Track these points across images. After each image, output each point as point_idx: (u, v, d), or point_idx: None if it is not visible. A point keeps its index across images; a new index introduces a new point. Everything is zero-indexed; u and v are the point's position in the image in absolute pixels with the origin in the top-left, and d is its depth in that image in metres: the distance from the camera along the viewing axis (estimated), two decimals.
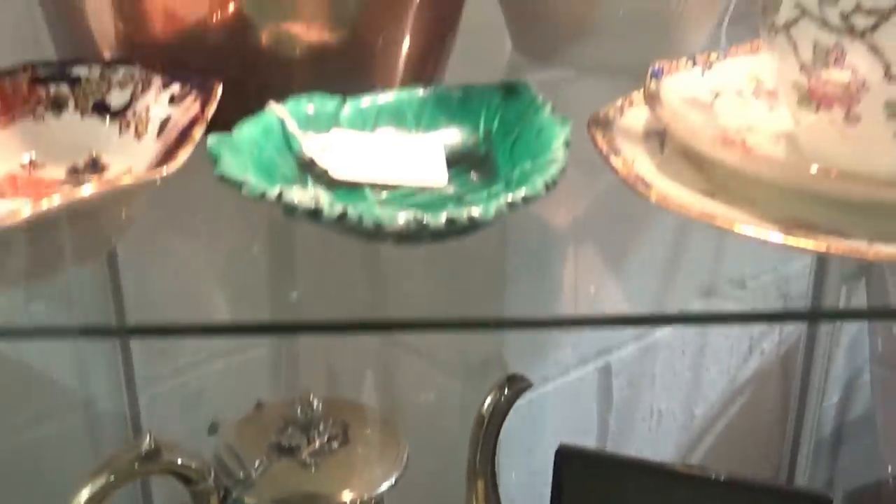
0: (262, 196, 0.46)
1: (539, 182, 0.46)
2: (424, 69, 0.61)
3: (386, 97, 0.56)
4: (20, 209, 0.41)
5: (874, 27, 0.47)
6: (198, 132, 0.47)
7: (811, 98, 0.50)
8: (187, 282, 0.55)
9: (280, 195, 0.45)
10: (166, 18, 0.55)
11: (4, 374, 0.64)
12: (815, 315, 0.92)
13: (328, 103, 0.55)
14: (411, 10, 0.58)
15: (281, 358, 0.82)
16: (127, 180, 0.43)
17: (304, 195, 0.45)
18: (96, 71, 0.55)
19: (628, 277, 0.57)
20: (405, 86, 0.60)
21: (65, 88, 0.55)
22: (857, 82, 0.48)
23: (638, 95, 0.57)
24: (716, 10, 0.67)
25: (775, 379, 1.15)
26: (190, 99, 0.51)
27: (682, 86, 0.56)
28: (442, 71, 0.63)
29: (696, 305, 0.62)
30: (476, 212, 0.44)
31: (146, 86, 0.53)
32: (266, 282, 0.54)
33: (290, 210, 0.45)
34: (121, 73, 0.54)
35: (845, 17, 0.47)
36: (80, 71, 0.55)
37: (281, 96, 0.56)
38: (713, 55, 0.58)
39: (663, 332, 1.07)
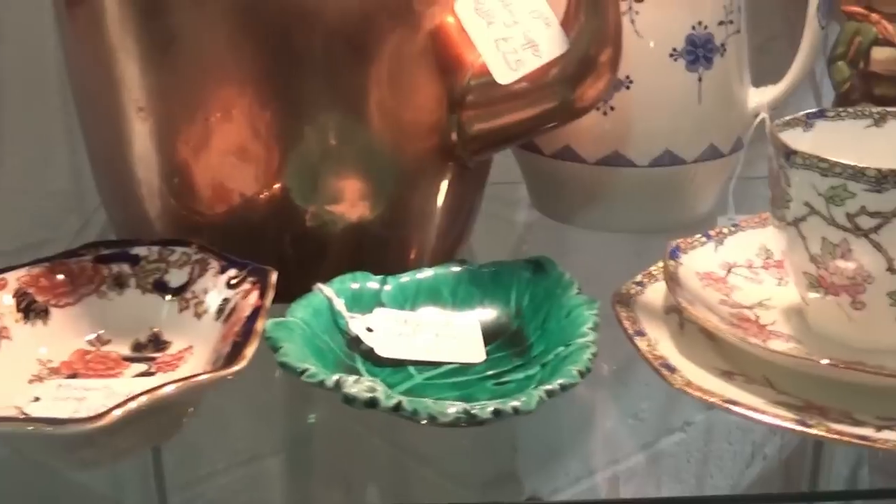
0: (321, 384, 0.51)
1: (574, 371, 0.51)
2: (455, 232, 0.67)
3: (424, 274, 0.61)
4: (111, 412, 0.45)
5: (877, 227, 0.53)
6: (261, 325, 0.52)
7: (820, 285, 0.56)
8: None
9: (337, 383, 0.50)
10: (217, 200, 0.61)
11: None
12: None
13: (371, 282, 0.60)
14: (443, 185, 0.64)
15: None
16: (203, 379, 0.48)
17: (360, 386, 0.50)
18: (154, 251, 0.60)
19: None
20: (437, 249, 0.65)
21: (126, 267, 0.60)
22: (863, 274, 0.54)
23: (656, 268, 0.62)
24: (723, 175, 0.73)
25: (779, 484, 1.20)
26: (247, 284, 0.56)
27: (697, 262, 0.61)
28: (470, 231, 0.69)
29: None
30: (520, 404, 0.49)
31: (203, 268, 0.58)
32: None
33: (349, 400, 0.50)
34: (177, 253, 0.60)
35: (851, 217, 0.53)
36: (140, 250, 0.60)
37: (322, 269, 0.61)
38: (725, 229, 0.64)
39: (668, 441, 1.11)
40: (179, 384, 0.48)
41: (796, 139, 0.58)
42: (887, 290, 0.54)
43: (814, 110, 0.60)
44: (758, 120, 0.72)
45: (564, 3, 0.61)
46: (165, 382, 0.48)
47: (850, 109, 0.60)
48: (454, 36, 0.60)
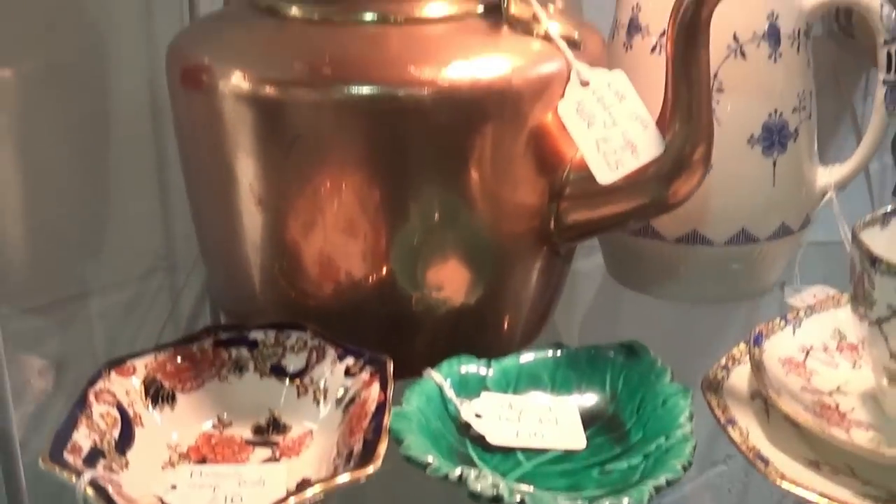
0: (445, 478, 0.56)
1: (679, 466, 0.57)
2: (543, 309, 0.72)
3: (525, 358, 0.66)
4: None
5: None
6: (387, 420, 0.57)
7: None
8: None
9: (460, 478, 0.55)
10: (329, 285, 0.65)
11: None
12: None
13: (476, 365, 0.65)
14: (537, 268, 0.69)
15: None
16: (346, 480, 0.53)
17: (485, 483, 0.55)
18: (271, 335, 0.65)
19: None
20: (528, 326, 0.70)
21: (245, 351, 0.65)
22: None
23: (737, 351, 0.67)
24: (792, 249, 0.78)
25: None
26: (365, 374, 0.61)
27: (778, 348, 0.66)
28: (556, 307, 0.74)
29: None
30: (633, 500, 0.54)
31: (321, 355, 0.63)
32: None
33: (474, 496, 0.55)
34: (293, 337, 0.64)
35: None
36: (257, 335, 0.65)
37: (421, 348, 0.66)
38: (801, 313, 0.69)
39: (711, 473, 1.17)
40: (324, 485, 0.53)
41: (874, 237, 0.63)
42: None
43: (890, 208, 0.65)
44: (826, 199, 0.77)
45: (659, 102, 0.65)
46: (309, 481, 0.53)
47: None
48: (556, 132, 0.65)
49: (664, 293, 0.78)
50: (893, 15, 0.74)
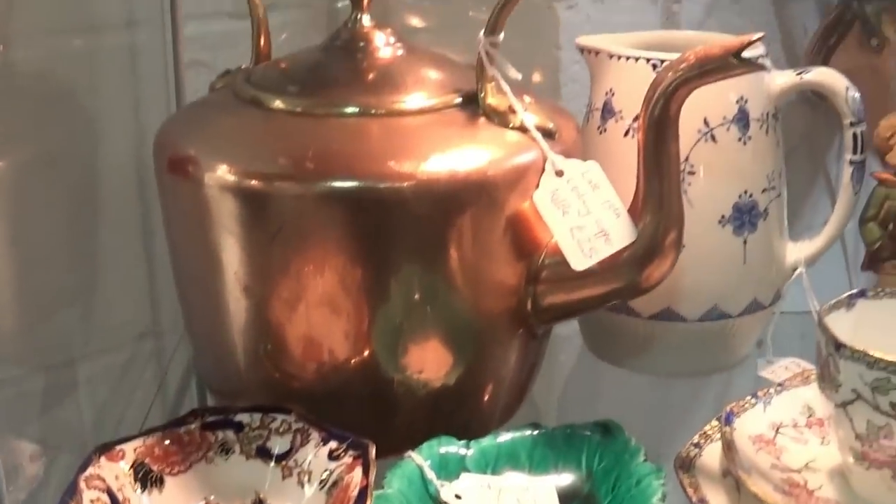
0: None
1: None
2: (521, 388, 0.74)
3: (503, 438, 0.68)
4: None
5: None
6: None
7: (864, 458, 0.64)
8: None
9: None
10: (313, 370, 0.68)
11: None
12: None
13: (455, 447, 0.67)
14: (515, 349, 0.72)
15: None
16: None
17: None
18: (256, 418, 0.67)
19: None
20: (506, 404, 0.73)
21: (231, 434, 0.67)
22: None
23: (710, 428, 0.70)
24: (764, 323, 0.81)
25: None
26: (348, 458, 0.64)
27: (748, 425, 0.69)
28: (533, 385, 0.77)
29: None
30: None
31: (305, 438, 0.66)
32: None
33: None
34: (278, 420, 0.67)
35: (894, 405, 0.61)
36: (243, 417, 0.67)
37: (400, 428, 0.69)
38: (772, 389, 0.72)
39: None
40: None
41: (840, 320, 0.66)
42: None
43: (855, 291, 0.68)
44: (796, 274, 0.80)
45: (632, 183, 0.68)
46: None
47: (889, 290, 0.69)
48: (532, 219, 0.67)
49: (640, 367, 0.81)
50: (858, 97, 0.77)
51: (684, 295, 0.77)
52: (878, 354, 0.61)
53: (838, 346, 0.62)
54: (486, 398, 0.72)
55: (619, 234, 0.67)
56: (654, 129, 0.65)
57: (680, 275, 0.76)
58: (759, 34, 0.64)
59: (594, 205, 0.67)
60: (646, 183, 0.66)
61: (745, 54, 0.66)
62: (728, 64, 0.64)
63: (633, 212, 0.67)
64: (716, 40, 0.67)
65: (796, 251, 0.81)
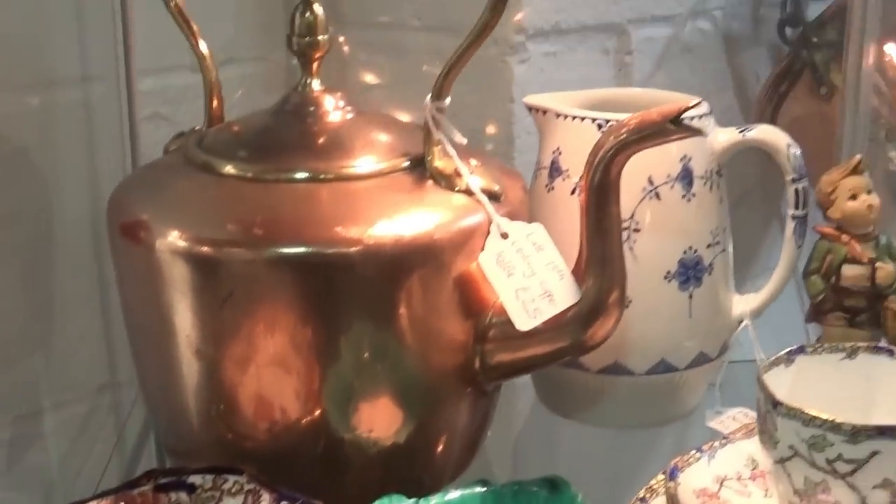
0: None
1: None
2: (473, 443, 0.76)
3: (451, 496, 0.70)
4: None
5: (853, 472, 0.63)
6: None
7: None
8: None
9: None
10: (263, 429, 0.70)
11: None
12: None
13: None
14: (465, 406, 0.74)
15: None
16: None
17: None
18: (209, 480, 0.69)
19: None
20: (458, 459, 0.75)
21: (184, 496, 0.68)
22: None
23: (656, 482, 0.72)
24: (711, 374, 0.83)
25: None
26: None
27: (693, 479, 0.71)
28: (485, 439, 0.79)
29: None
30: None
31: (256, 499, 0.67)
32: None
33: None
34: (230, 481, 0.68)
35: (830, 462, 0.63)
36: (195, 479, 0.69)
37: (351, 486, 0.71)
38: (717, 443, 0.74)
39: None
40: None
41: (780, 376, 0.68)
42: None
43: (794, 347, 0.70)
44: (741, 327, 0.82)
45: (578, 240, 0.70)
46: None
47: (827, 345, 0.71)
48: (478, 280, 0.70)
49: (591, 420, 0.83)
50: (799, 154, 0.79)
51: (631, 349, 0.79)
52: (813, 412, 0.63)
53: (775, 403, 0.65)
54: (437, 454, 0.73)
55: (562, 294, 0.69)
56: (596, 192, 0.68)
57: (627, 329, 0.78)
58: (696, 100, 0.67)
59: (538, 266, 0.69)
60: (588, 244, 0.69)
61: (689, 114, 0.69)
62: (665, 129, 0.66)
63: (577, 272, 0.69)
64: (663, 99, 0.70)
65: (742, 304, 0.83)
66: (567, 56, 1.00)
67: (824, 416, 0.63)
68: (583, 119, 0.78)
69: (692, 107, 0.66)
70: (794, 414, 0.64)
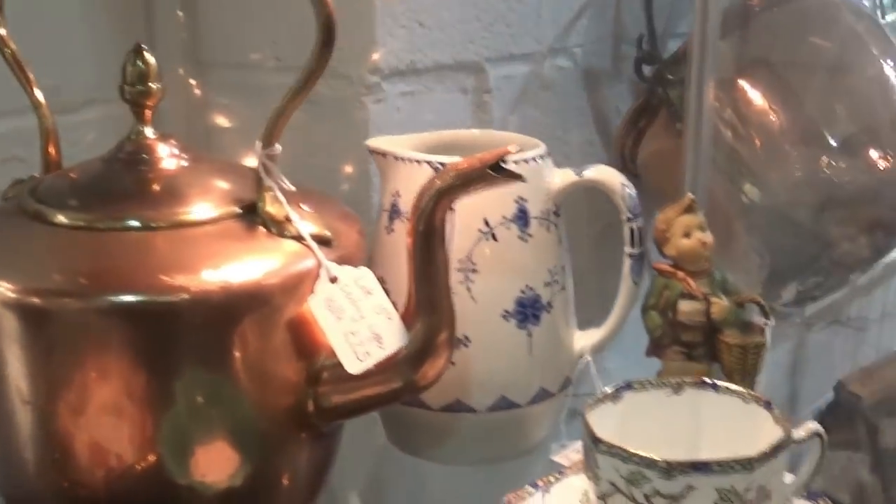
0: None
1: None
2: (316, 482, 0.78)
3: None
4: None
5: None
6: None
7: None
8: None
9: None
10: (98, 477, 0.71)
11: None
12: None
13: None
14: (304, 448, 0.75)
15: None
16: None
17: None
18: None
19: None
20: (303, 498, 0.77)
21: None
22: None
23: None
24: (554, 409, 0.86)
25: None
26: None
27: None
28: (329, 477, 0.80)
29: None
30: None
31: None
32: None
33: None
34: None
35: (648, 497, 0.66)
36: None
37: None
38: (552, 477, 0.77)
39: None
40: None
41: (606, 413, 0.71)
42: None
43: (621, 384, 0.73)
44: (582, 363, 0.85)
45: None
46: None
47: (653, 381, 0.74)
48: (310, 323, 0.72)
49: (437, 458, 0.85)
50: (634, 194, 0.83)
51: (473, 387, 0.82)
52: (631, 449, 0.66)
53: (595, 440, 0.68)
54: (276, 497, 0.75)
55: (391, 337, 0.71)
56: (422, 236, 0.70)
57: (467, 368, 0.81)
58: (513, 147, 0.69)
59: (367, 310, 0.72)
60: (416, 287, 0.71)
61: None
62: (486, 175, 0.69)
63: (407, 315, 0.72)
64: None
65: (583, 339, 0.86)
66: (425, 96, 1.03)
67: (641, 454, 0.66)
68: (419, 162, 0.81)
69: (508, 153, 0.69)
70: (614, 451, 0.67)
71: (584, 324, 0.88)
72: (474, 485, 0.85)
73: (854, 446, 2.06)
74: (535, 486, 0.76)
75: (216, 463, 0.72)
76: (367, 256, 0.79)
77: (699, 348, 0.84)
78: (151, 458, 0.70)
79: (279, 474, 0.75)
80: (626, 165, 1.17)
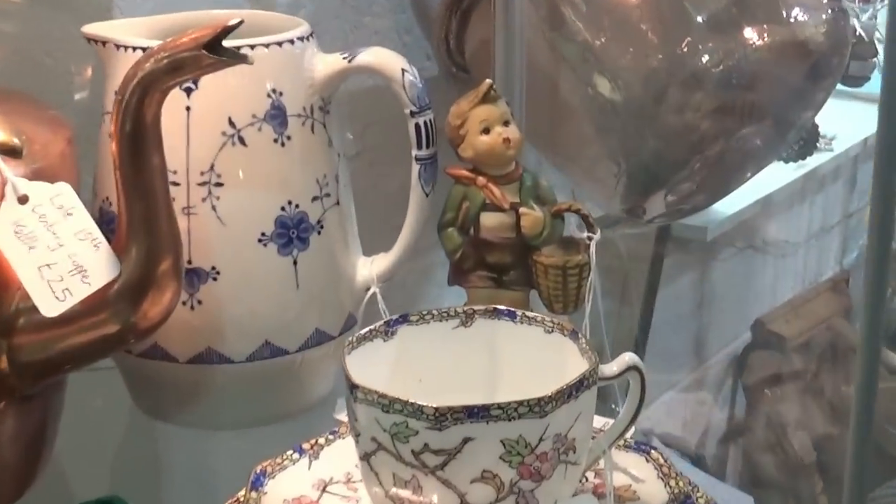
0: None
1: None
2: (36, 459, 0.74)
3: None
4: None
5: (443, 465, 0.62)
6: None
7: None
8: None
9: None
10: None
11: None
12: None
13: None
14: (8, 417, 0.71)
15: None
16: None
17: None
18: None
19: None
20: (17, 484, 0.72)
21: None
22: None
23: (243, 495, 0.70)
24: (335, 357, 0.82)
25: None
26: None
27: (286, 487, 0.69)
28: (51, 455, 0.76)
29: None
30: None
31: None
32: None
33: None
34: None
35: (417, 454, 0.62)
36: None
37: None
38: (322, 439, 0.73)
39: None
40: None
41: (376, 352, 0.67)
42: None
43: (396, 316, 0.69)
44: (368, 294, 0.81)
45: None
46: None
47: (436, 311, 0.70)
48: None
49: (189, 422, 0.80)
50: (419, 83, 0.78)
51: (226, 332, 0.77)
52: (393, 394, 0.62)
53: (353, 386, 0.63)
54: None
55: (98, 269, 0.66)
56: (129, 139, 0.65)
57: (217, 307, 0.76)
58: (236, 20, 0.65)
59: (67, 236, 0.66)
60: (127, 204, 0.66)
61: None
62: (201, 57, 0.64)
63: (119, 240, 0.67)
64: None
65: (367, 267, 0.82)
66: None
67: (403, 398, 0.62)
68: (141, 50, 0.76)
69: (234, 27, 0.64)
70: (372, 399, 0.62)
71: (375, 251, 0.84)
72: (239, 454, 0.81)
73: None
74: (299, 450, 0.71)
75: None
76: (80, 172, 0.74)
77: (510, 272, 0.79)
78: None
79: None
80: (452, 58, 1.13)
